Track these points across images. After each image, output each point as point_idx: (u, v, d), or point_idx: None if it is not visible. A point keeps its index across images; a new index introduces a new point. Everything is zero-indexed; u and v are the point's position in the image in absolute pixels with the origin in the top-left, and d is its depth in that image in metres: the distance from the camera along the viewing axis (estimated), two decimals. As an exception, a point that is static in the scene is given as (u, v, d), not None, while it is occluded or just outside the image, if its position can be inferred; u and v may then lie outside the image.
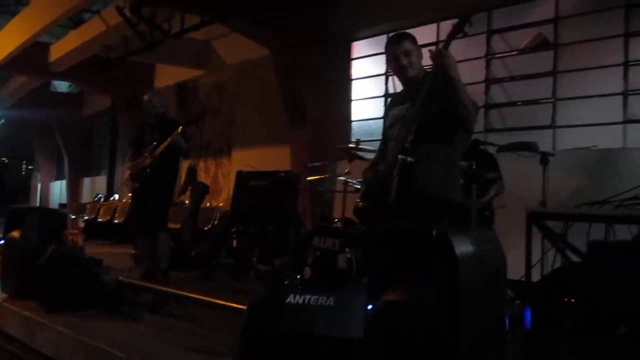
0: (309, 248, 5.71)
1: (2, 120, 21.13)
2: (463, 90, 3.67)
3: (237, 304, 4.53)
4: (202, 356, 3.97)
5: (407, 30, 4.28)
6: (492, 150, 5.97)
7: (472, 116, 3.79)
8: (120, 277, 5.89)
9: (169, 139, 6.62)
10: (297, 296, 3.05)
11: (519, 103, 7.42)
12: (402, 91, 4.15)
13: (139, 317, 5.16)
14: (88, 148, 19.68)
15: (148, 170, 6.79)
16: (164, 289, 5.49)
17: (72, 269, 5.60)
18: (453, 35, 3.74)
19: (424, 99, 3.73)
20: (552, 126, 6.96)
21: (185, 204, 10.76)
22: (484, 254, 2.51)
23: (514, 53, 7.51)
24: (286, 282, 6.20)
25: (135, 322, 5.05)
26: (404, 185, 3.74)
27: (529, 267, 3.30)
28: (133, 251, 8.62)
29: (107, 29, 10.38)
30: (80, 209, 15.07)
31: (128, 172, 7.25)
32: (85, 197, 18.19)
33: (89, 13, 13.08)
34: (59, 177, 22.27)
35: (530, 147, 5.66)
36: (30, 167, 29.57)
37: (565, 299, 4.21)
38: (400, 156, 3.75)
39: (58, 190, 21.88)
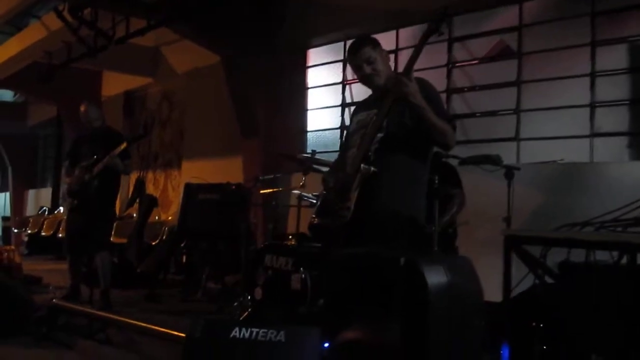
0: (260, 267, 5.33)
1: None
2: (431, 115, 3.33)
3: (184, 330, 4.08)
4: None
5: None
6: (453, 162, 5.68)
7: (449, 138, 3.47)
8: (54, 300, 5.38)
9: (104, 161, 6.27)
10: (243, 330, 2.65)
11: (480, 114, 7.13)
12: (370, 97, 3.80)
13: (72, 345, 4.68)
14: (33, 159, 19.00)
15: (87, 186, 6.36)
16: (100, 313, 5.02)
17: (-2, 292, 5.07)
18: (427, 36, 3.41)
19: (390, 108, 3.40)
20: (516, 138, 6.68)
21: (132, 217, 10.31)
22: (458, 285, 2.14)
23: (475, 62, 7.22)
24: (235, 304, 5.83)
25: (69, 350, 4.57)
26: (365, 200, 3.38)
27: (507, 292, 2.94)
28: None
29: (49, 34, 9.85)
30: (24, 223, 14.48)
31: (66, 186, 6.83)
32: (30, 210, 17.56)
33: (34, 18, 12.50)
34: (2, 189, 21.45)
35: (494, 160, 5.39)
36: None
37: (534, 324, 3.91)
38: (363, 166, 3.39)
39: (2, 203, 21.06)
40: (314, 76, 9.25)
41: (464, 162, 5.57)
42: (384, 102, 3.42)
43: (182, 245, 8.24)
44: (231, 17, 8.22)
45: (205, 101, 10.56)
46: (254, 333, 2.63)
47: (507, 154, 6.13)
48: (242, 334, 2.65)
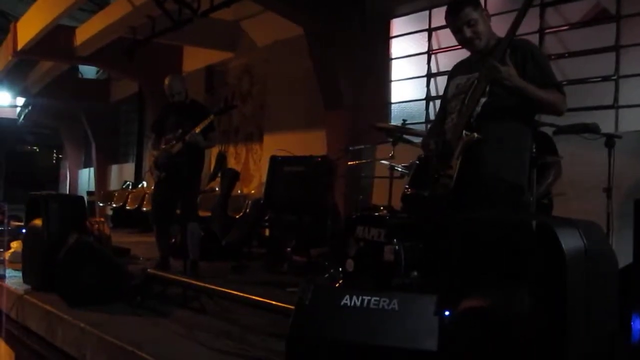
0: (351, 238, 5.24)
1: (29, 108, 20.90)
2: (534, 91, 3.18)
3: (274, 300, 4.06)
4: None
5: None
6: (549, 132, 5.46)
7: (558, 107, 3.35)
8: (148, 269, 5.45)
9: (186, 138, 6.26)
10: (354, 297, 2.56)
11: (576, 81, 6.82)
12: (470, 57, 3.64)
13: (167, 313, 4.72)
14: (116, 135, 19.41)
15: (174, 158, 6.38)
16: (195, 282, 5.04)
17: (95, 261, 5.16)
18: (526, 9, 3.24)
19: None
20: (615, 106, 6.37)
21: (215, 191, 10.39)
22: (594, 250, 1.99)
23: (570, 27, 6.90)
24: (326, 276, 5.78)
25: (164, 318, 4.61)
26: (470, 168, 3.24)
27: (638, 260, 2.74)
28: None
29: (133, 9, 9.93)
30: (108, 197, 14.82)
31: (153, 159, 6.88)
32: (113, 185, 17.95)
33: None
34: (87, 165, 22.07)
35: (591, 128, 5.14)
36: (60, 155, 29.46)
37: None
38: (465, 132, 3.25)
39: (86, 178, 21.67)
40: (398, 46, 9.05)
41: (560, 131, 5.35)
42: (487, 65, 3.25)
43: (266, 218, 8.24)
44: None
45: (287, 74, 10.51)
46: (366, 301, 2.55)
47: (604, 122, 5.85)
48: (353, 302, 2.57)
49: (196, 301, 4.88)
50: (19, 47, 12.63)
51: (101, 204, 15.29)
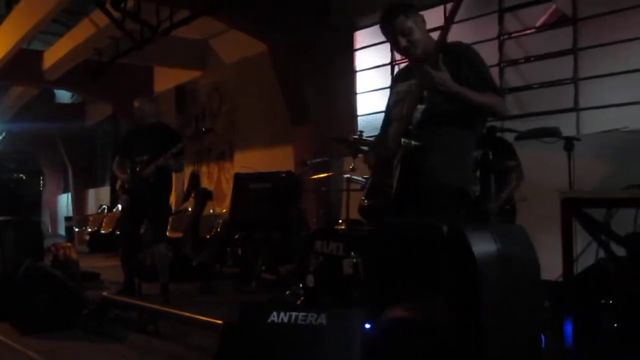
0: (312, 253, 5.18)
1: (3, 134, 20.73)
2: (471, 95, 3.10)
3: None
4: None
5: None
6: (509, 138, 5.42)
7: (497, 109, 3.25)
8: (104, 293, 5.33)
9: (158, 162, 6.17)
10: (282, 314, 2.48)
11: (537, 86, 6.80)
12: (409, 65, 3.57)
13: (122, 338, 4.62)
14: (92, 159, 19.30)
15: (141, 184, 6.30)
16: (149, 305, 4.93)
17: (48, 286, 5.05)
18: (454, 12, 3.17)
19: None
20: (576, 108, 6.35)
21: (187, 211, 10.28)
22: (510, 254, 1.92)
23: (529, 32, 6.89)
24: (288, 292, 5.70)
25: (118, 343, 4.51)
26: (409, 175, 3.17)
27: (568, 264, 2.68)
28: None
29: (97, 30, 9.87)
30: (84, 221, 14.70)
31: (119, 183, 6.76)
32: (91, 209, 17.84)
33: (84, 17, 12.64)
34: (65, 190, 21.91)
35: (553, 132, 5.13)
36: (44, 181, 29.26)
37: (602, 301, 3.63)
38: (403, 140, 3.17)
39: (65, 203, 21.50)
40: (362, 59, 9.02)
41: (520, 136, 5.32)
42: (420, 72, 3.18)
43: (236, 237, 8.15)
44: (275, 2, 8.07)
45: (255, 91, 10.47)
46: (294, 317, 2.47)
47: (567, 125, 5.83)
48: (280, 318, 2.48)
49: (151, 324, 4.77)
50: (-13, 72, 12.54)
51: (77, 229, 15.15)
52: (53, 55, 12.29)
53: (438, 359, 1.92)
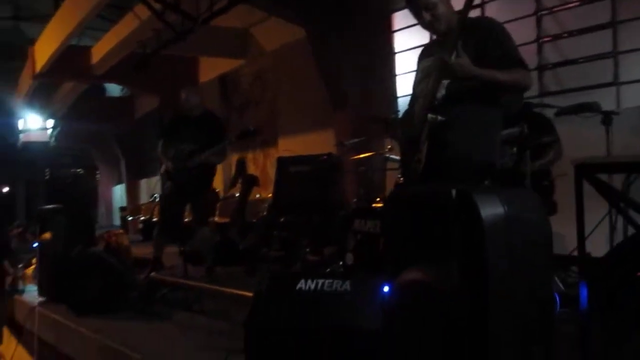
0: (350, 232, 5.28)
1: (58, 129, 21.29)
2: (492, 75, 3.14)
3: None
4: (215, 354, 3.56)
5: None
6: (548, 114, 5.39)
7: (521, 84, 3.30)
8: (151, 274, 5.55)
9: (201, 157, 6.39)
10: (309, 282, 2.59)
11: (580, 60, 6.71)
12: (434, 41, 3.62)
13: (168, 317, 4.81)
14: (142, 150, 19.68)
15: (189, 172, 6.50)
16: (194, 284, 5.13)
17: (101, 271, 5.29)
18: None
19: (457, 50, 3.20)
20: (615, 83, 6.27)
21: (235, 197, 10.45)
22: (519, 218, 1.97)
23: (567, 7, 6.80)
24: (327, 271, 5.80)
25: (164, 321, 4.70)
26: (435, 149, 3.23)
27: (581, 235, 2.69)
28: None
29: (140, 23, 10.09)
30: (137, 211, 15.04)
31: (163, 168, 6.93)
32: (143, 199, 18.19)
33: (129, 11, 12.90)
34: (119, 181, 22.42)
35: (593, 107, 5.07)
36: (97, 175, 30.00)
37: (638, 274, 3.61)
38: (429, 115, 3.23)
39: (119, 194, 22.02)
40: (401, 40, 9.03)
41: (560, 112, 5.28)
42: (451, 45, 3.23)
43: (281, 220, 8.26)
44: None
45: (295, 77, 10.58)
46: (320, 284, 2.57)
47: (607, 100, 5.76)
48: (307, 286, 2.60)
49: (197, 303, 4.95)
50: (37, 69, 12.91)
51: (130, 218, 15.52)
52: (100, 50, 12.59)
53: (447, 323, 1.99)
